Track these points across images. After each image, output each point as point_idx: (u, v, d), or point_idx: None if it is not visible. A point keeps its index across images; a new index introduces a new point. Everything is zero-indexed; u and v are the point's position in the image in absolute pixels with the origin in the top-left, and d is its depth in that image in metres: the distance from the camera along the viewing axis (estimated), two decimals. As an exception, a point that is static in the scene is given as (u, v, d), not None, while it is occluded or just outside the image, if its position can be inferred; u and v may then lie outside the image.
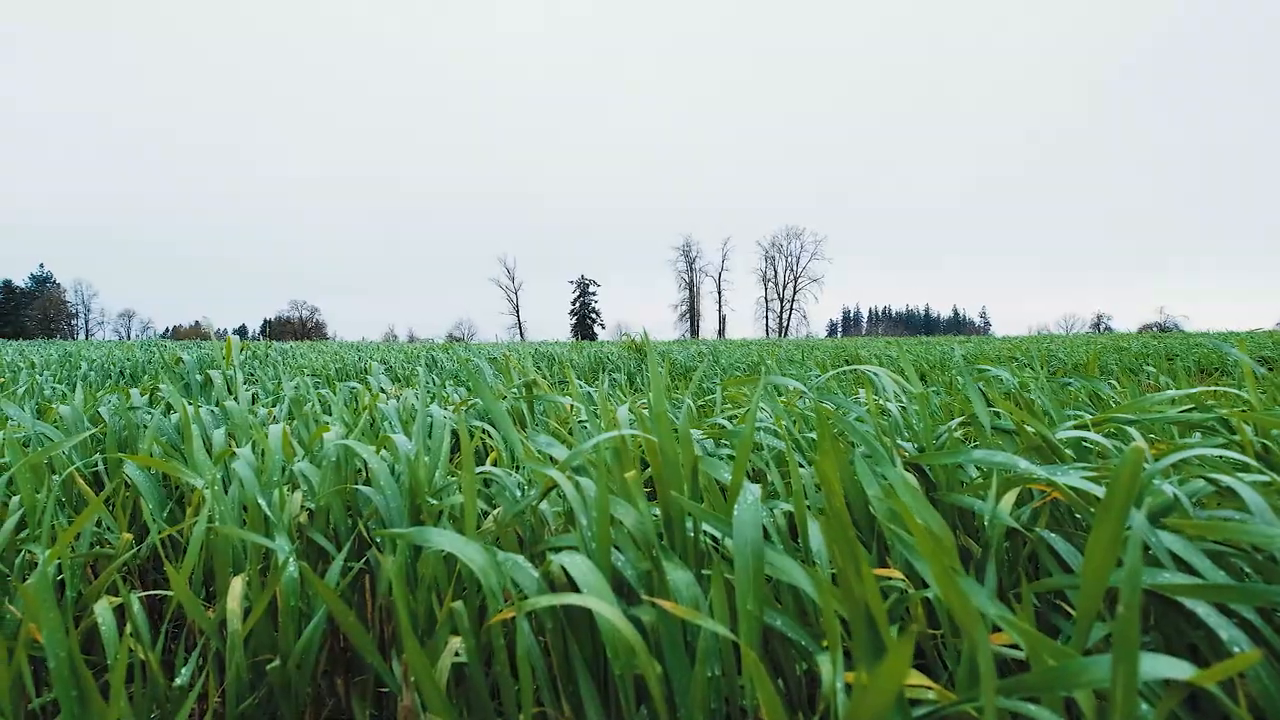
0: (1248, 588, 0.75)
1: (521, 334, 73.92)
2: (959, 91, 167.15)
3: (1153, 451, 1.21)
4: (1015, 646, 0.87)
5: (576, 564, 0.89)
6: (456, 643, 0.95)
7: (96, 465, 1.85)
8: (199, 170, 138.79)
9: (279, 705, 1.06)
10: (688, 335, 73.15)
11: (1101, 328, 77.13)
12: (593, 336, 75.15)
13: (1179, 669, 0.57)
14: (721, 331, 76.97)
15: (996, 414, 1.53)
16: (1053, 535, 1.09)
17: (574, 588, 0.95)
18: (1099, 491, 1.00)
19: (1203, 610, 0.80)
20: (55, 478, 1.49)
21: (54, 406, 2.13)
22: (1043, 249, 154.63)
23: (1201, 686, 0.57)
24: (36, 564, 1.15)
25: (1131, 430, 1.35)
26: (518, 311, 75.19)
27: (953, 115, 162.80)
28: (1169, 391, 1.58)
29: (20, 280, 69.08)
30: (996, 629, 0.89)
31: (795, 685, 0.96)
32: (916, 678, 0.75)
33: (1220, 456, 1.20)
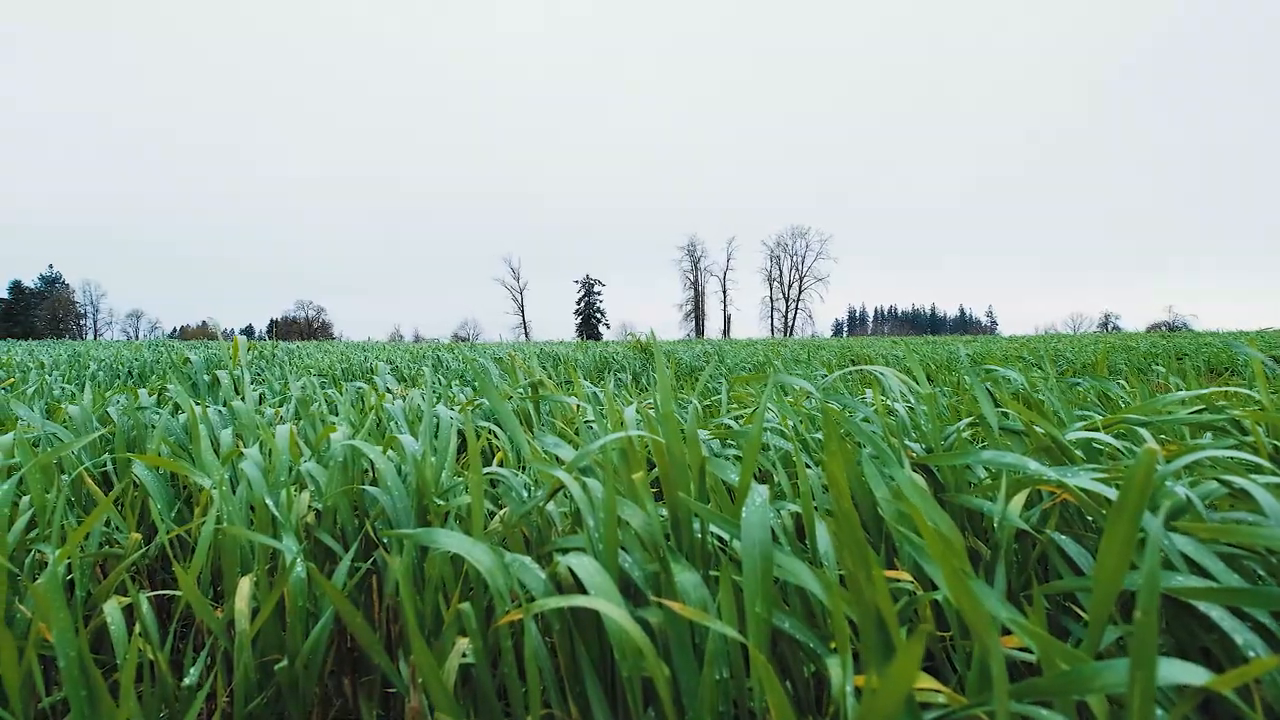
0: (1262, 591, 0.74)
1: (526, 334, 74.02)
2: (962, 90, 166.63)
3: (1164, 453, 1.20)
4: (1025, 649, 0.86)
5: (584, 565, 0.89)
6: (464, 644, 0.95)
7: (105, 465, 1.86)
8: (206, 171, 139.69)
9: (287, 705, 1.06)
10: (692, 335, 73.07)
11: (1109, 327, 76.68)
12: (598, 336, 75.16)
13: (1196, 674, 0.56)
14: (726, 331, 76.89)
15: (1005, 414, 1.53)
16: (1063, 537, 1.08)
17: (581, 589, 0.94)
18: (1110, 493, 0.99)
19: (1216, 614, 0.80)
20: (65, 477, 1.49)
21: (63, 406, 2.14)
22: (1049, 248, 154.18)
23: (1217, 692, 0.56)
24: (46, 563, 1.16)
25: (1142, 431, 1.34)
26: (523, 311, 75.31)
27: (956, 114, 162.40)
28: (1179, 392, 1.56)
29: (29, 280, 69.62)
30: (1006, 632, 0.89)
31: (803, 687, 0.95)
32: (926, 680, 0.74)
33: (1232, 458, 1.19)
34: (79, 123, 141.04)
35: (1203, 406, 1.60)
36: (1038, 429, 1.31)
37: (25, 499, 1.31)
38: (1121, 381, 2.63)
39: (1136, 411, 1.47)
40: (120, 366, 6.52)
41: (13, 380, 4.45)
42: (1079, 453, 1.28)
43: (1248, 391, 1.81)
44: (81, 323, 71.12)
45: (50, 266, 72.36)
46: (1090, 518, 1.13)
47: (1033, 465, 1.09)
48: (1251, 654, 0.76)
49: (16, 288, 67.22)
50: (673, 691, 0.84)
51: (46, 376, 4.68)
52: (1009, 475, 1.12)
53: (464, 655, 0.95)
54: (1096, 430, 1.39)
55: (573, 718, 0.93)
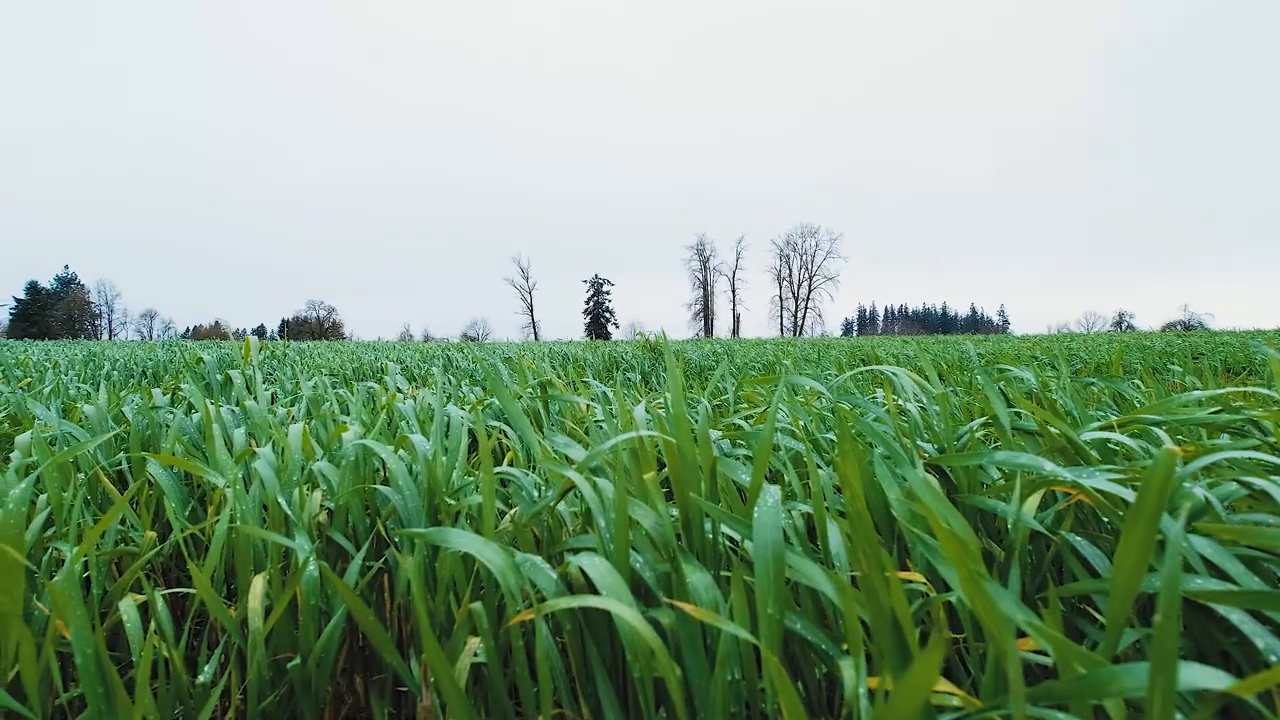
0: (1284, 594, 0.73)
1: (535, 333, 74.15)
2: (973, 88, 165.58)
3: (1182, 454, 1.18)
4: (1040, 652, 0.85)
5: (595, 565, 0.89)
6: (475, 643, 0.95)
7: (121, 464, 1.88)
8: (218, 172, 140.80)
9: (299, 703, 1.07)
10: (701, 334, 72.99)
11: (1123, 326, 75.88)
12: (606, 336, 75.19)
13: (1216, 679, 0.56)
14: (735, 330, 76.71)
15: (1018, 414, 1.51)
16: (1078, 538, 1.07)
17: (592, 589, 0.94)
18: (1127, 494, 0.98)
19: (1237, 617, 0.78)
20: (81, 476, 1.51)
21: (79, 406, 2.16)
22: (1061, 247, 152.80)
23: (1239, 697, 0.56)
24: (64, 561, 1.17)
25: (1159, 432, 1.32)
26: (532, 311, 75.42)
27: (967, 112, 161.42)
28: (1196, 392, 1.54)
29: (46, 281, 70.47)
30: (1021, 634, 0.88)
31: (815, 689, 0.95)
32: (940, 683, 0.74)
33: (1251, 459, 1.18)
34: (94, 124, 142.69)
35: (1220, 407, 1.58)
36: (1052, 429, 1.30)
37: (43, 497, 1.33)
38: (1136, 381, 2.60)
39: (1152, 411, 1.45)
40: (134, 366, 6.59)
41: (29, 380, 4.51)
42: (1094, 453, 1.27)
43: (1266, 391, 1.79)
44: (96, 323, 71.93)
45: (66, 267, 73.27)
46: (1106, 519, 1.12)
47: (1048, 466, 1.08)
48: (1273, 658, 0.74)
49: (33, 288, 68.03)
50: (684, 692, 0.84)
51: (62, 376, 4.74)
52: (1023, 476, 1.11)
53: (475, 655, 0.95)
54: (1112, 430, 1.38)
55: (584, 718, 0.93)
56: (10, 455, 1.61)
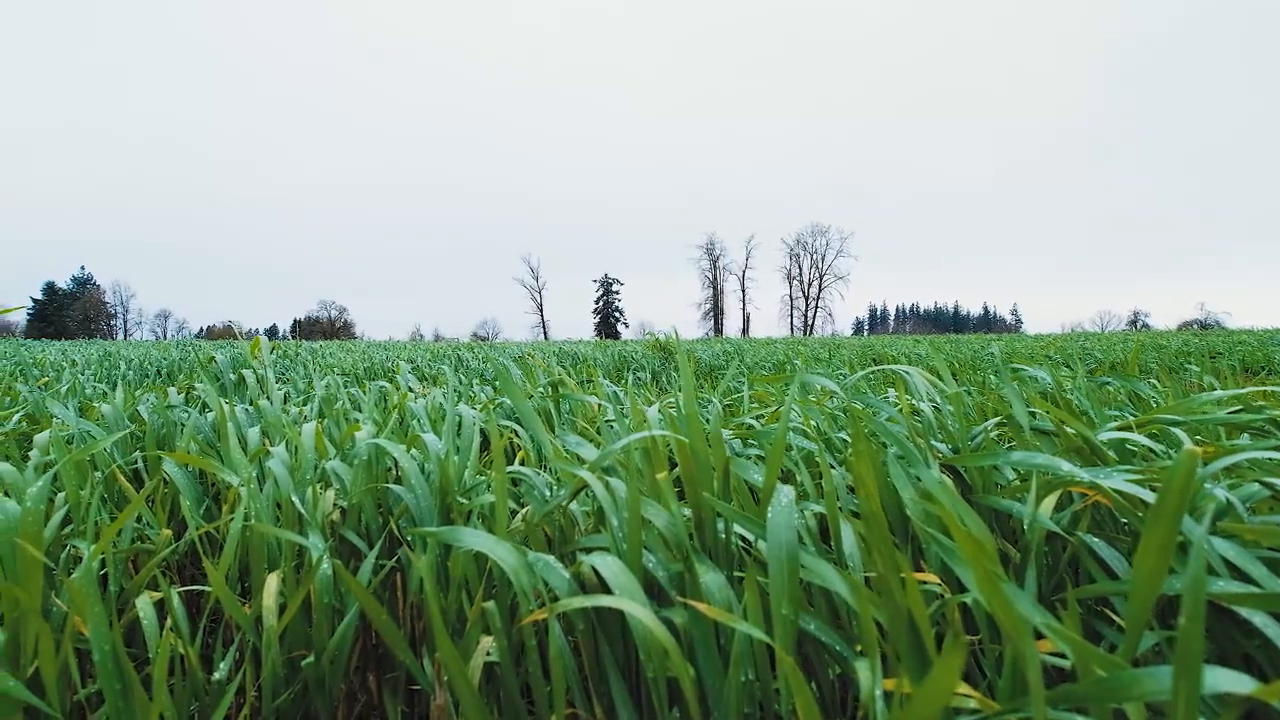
0: (1309, 597, 0.72)
1: (545, 333, 74.31)
2: (984, 84, 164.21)
3: (1202, 454, 1.17)
4: (1057, 654, 0.84)
5: (608, 565, 0.89)
6: (488, 642, 0.95)
7: (136, 463, 1.89)
8: (217, 173, 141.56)
9: (313, 701, 1.07)
10: (711, 334, 72.82)
11: (1139, 325, 75.00)
12: (616, 335, 75.19)
13: (1240, 683, 0.55)
14: (745, 330, 76.51)
15: (1033, 414, 1.50)
16: (1095, 540, 1.05)
17: (605, 589, 0.94)
18: (1146, 495, 0.97)
19: (1260, 620, 0.77)
20: (98, 474, 1.53)
21: (95, 405, 2.19)
22: (1075, 245, 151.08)
23: (1262, 701, 0.55)
24: (81, 559, 1.18)
25: (1178, 432, 1.31)
26: (541, 311, 75.60)
27: (979, 108, 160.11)
28: (1216, 392, 1.52)
29: (62, 282, 71.38)
30: (1039, 636, 0.87)
31: (829, 689, 0.94)
32: (958, 686, 0.73)
33: (1272, 459, 1.16)
34: (94, 124, 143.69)
35: (1240, 406, 1.56)
36: (1069, 429, 1.28)
37: (60, 495, 1.34)
38: (1153, 381, 2.57)
39: (1170, 411, 1.43)
40: (150, 366, 6.66)
41: (47, 379, 4.57)
42: (1112, 453, 1.25)
43: (1287, 391, 1.76)
44: (112, 323, 72.77)
45: (82, 268, 74.17)
46: (1124, 520, 1.10)
47: (1065, 466, 1.07)
48: (1297, 662, 0.73)
49: (50, 289, 68.95)
50: (698, 692, 0.83)
51: (79, 376, 4.79)
52: (1040, 476, 1.10)
53: (488, 653, 0.95)
54: (1130, 430, 1.36)
55: (597, 717, 0.92)
56: (29, 453, 1.63)
